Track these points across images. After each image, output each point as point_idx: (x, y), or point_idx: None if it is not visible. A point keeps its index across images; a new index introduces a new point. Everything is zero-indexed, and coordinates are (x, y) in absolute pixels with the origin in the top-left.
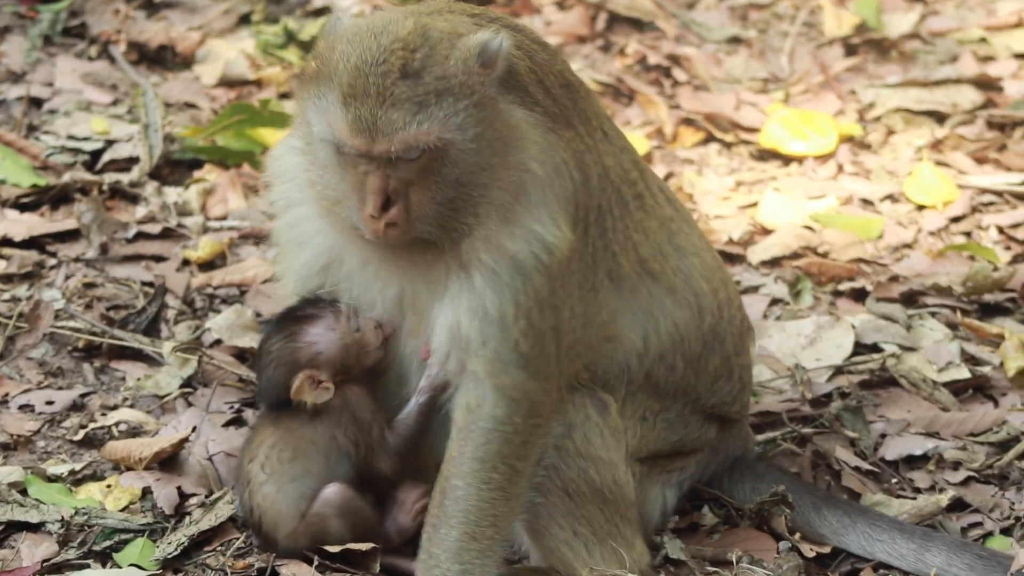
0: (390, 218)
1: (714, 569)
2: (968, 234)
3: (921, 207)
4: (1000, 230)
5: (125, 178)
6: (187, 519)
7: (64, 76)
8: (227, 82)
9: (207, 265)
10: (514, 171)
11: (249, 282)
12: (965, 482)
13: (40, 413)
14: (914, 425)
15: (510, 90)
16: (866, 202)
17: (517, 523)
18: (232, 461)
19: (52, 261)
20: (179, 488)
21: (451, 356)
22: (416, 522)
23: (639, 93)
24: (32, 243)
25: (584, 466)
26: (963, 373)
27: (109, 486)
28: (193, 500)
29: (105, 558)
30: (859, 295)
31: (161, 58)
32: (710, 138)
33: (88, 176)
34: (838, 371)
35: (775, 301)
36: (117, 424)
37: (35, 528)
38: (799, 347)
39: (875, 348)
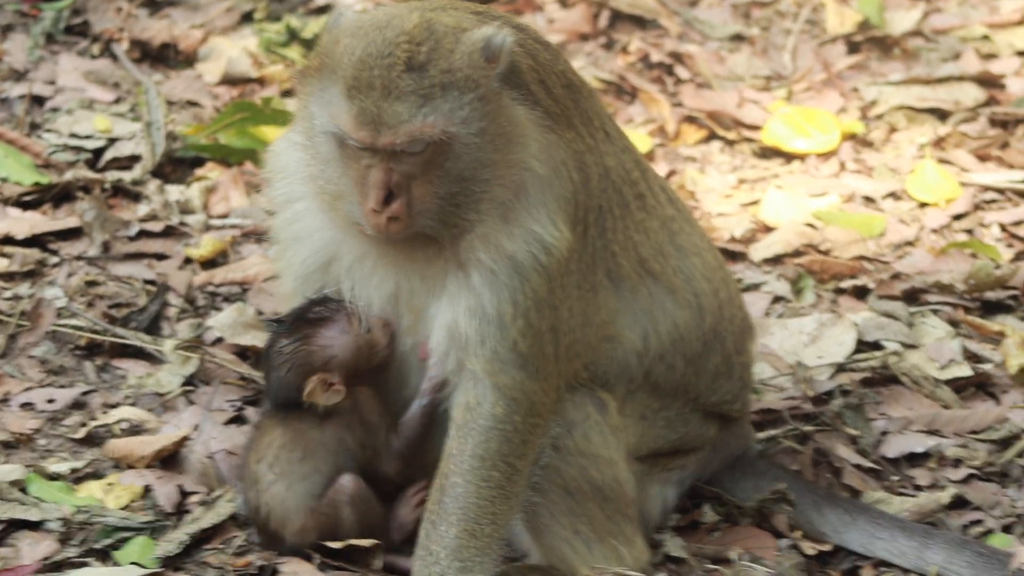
0: (392, 212)
1: (715, 567)
2: (970, 231)
3: (923, 205)
4: (1002, 227)
5: (127, 176)
6: (188, 517)
7: (66, 74)
8: (229, 80)
9: (209, 263)
10: (515, 169)
11: (251, 280)
12: (966, 480)
13: (41, 411)
14: (915, 423)
15: (512, 88)
16: (868, 200)
17: (517, 521)
18: (233, 459)
19: (54, 259)
20: (180, 486)
21: (450, 355)
22: (416, 514)
23: (641, 91)
24: (34, 241)
25: (584, 464)
26: (965, 371)
27: (110, 484)
28: (194, 498)
29: (106, 556)
30: (861, 293)
31: (164, 56)
32: (712, 136)
33: (90, 174)
34: (840, 369)
35: (777, 299)
36: (118, 422)
37: (36, 526)
38: (801, 345)
39: (877, 346)
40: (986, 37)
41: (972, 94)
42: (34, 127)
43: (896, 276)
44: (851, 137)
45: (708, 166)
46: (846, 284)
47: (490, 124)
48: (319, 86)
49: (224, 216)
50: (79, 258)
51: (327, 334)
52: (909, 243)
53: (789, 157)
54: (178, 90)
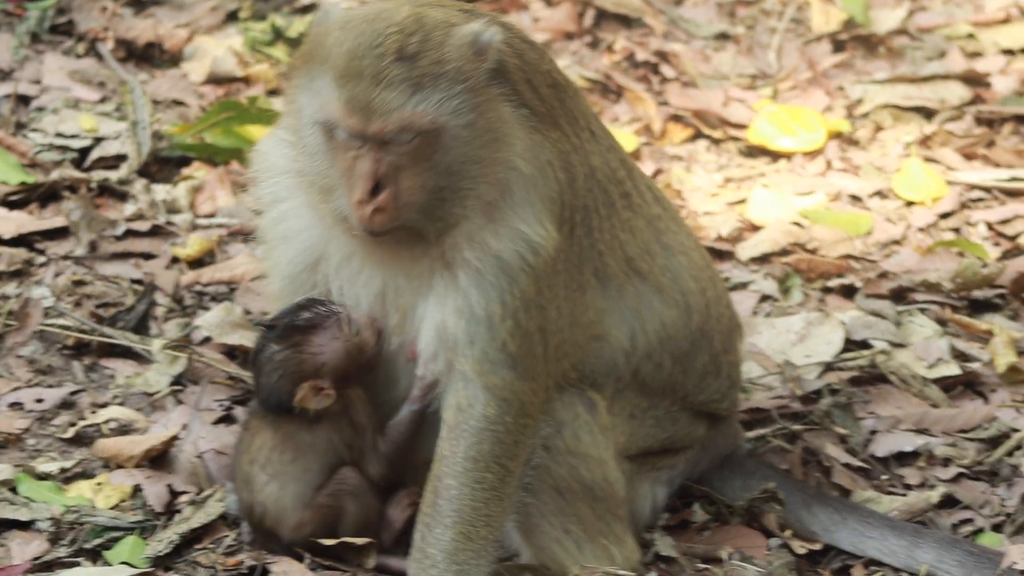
0: (379, 203)
1: (705, 566)
2: (957, 230)
3: (910, 203)
4: (989, 226)
5: (114, 175)
6: (178, 517)
7: (52, 73)
8: (215, 79)
9: (196, 262)
10: (501, 168)
11: (238, 279)
12: (955, 479)
13: (30, 411)
14: (904, 422)
15: (500, 86)
16: (855, 198)
17: (508, 521)
18: (223, 459)
19: (41, 259)
20: (169, 486)
21: (439, 356)
22: (406, 516)
23: (627, 90)
24: (21, 241)
25: (574, 464)
26: (953, 369)
27: (99, 484)
28: (184, 498)
29: (96, 556)
30: (848, 291)
31: (149, 55)
32: (698, 135)
33: (76, 174)
34: (828, 368)
35: (764, 298)
36: (107, 422)
37: (25, 526)
38: (789, 344)
39: (865, 344)
40: (971, 35)
41: (958, 92)
42: (19, 127)
43: (883, 275)
44: (837, 136)
45: (694, 165)
46: (833, 283)
47: (479, 118)
48: (308, 78)
49: (211, 215)
50: (66, 258)
51: (317, 341)
52: (896, 242)
53: (775, 156)
54: (163, 89)
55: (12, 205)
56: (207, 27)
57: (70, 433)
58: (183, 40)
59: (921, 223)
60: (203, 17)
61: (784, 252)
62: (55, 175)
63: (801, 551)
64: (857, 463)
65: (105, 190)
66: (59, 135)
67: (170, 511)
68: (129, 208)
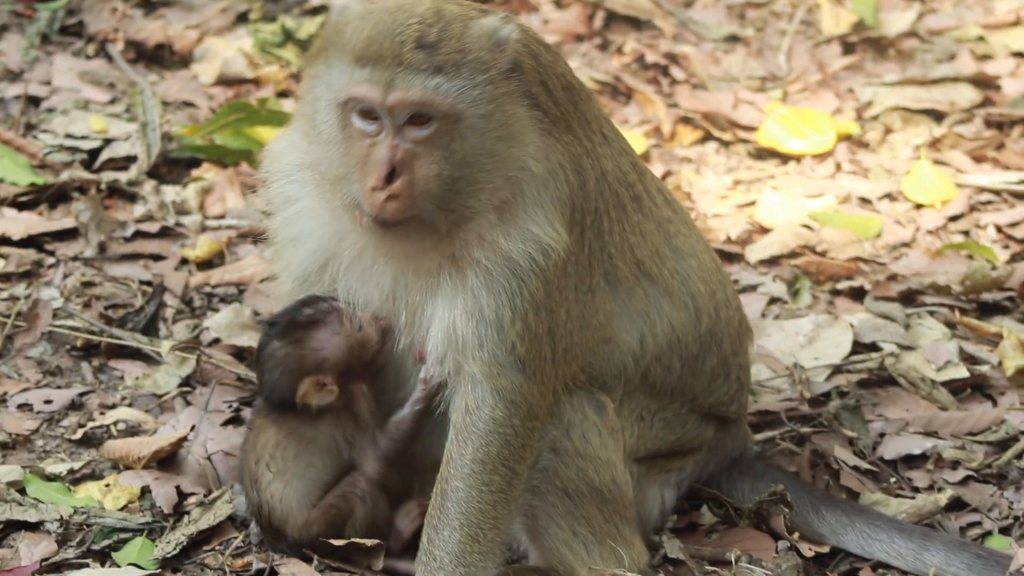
0: (393, 190)
1: (713, 568)
2: (966, 233)
3: (919, 206)
4: (998, 229)
5: (123, 177)
6: (186, 518)
7: (62, 75)
8: (225, 81)
9: (205, 264)
10: (513, 167)
11: (247, 281)
12: (964, 481)
13: (39, 412)
14: (912, 424)
15: (516, 86)
16: (864, 201)
17: (516, 523)
18: (231, 460)
19: (50, 260)
20: (178, 487)
21: (447, 358)
22: (414, 526)
23: (637, 92)
24: (30, 242)
25: (583, 466)
26: (961, 372)
27: (108, 485)
28: (192, 499)
29: (104, 557)
30: (857, 294)
31: (159, 57)
32: (708, 137)
33: (86, 175)
34: (836, 370)
35: (773, 300)
36: (116, 423)
37: (34, 527)
38: (797, 346)
39: (873, 347)
40: (981, 38)
41: (967, 95)
42: (30, 128)
43: (892, 277)
44: (846, 138)
45: (704, 167)
46: (842, 285)
47: (496, 111)
48: (326, 65)
49: (220, 217)
50: (75, 259)
51: (319, 336)
52: (905, 244)
53: (785, 158)
54: (173, 91)
55: (21, 206)
56: (217, 28)
57: (79, 434)
58: (193, 41)
59: (930, 226)
60: (213, 18)
61: (793, 254)
62: (64, 176)
63: (809, 554)
64: (865, 466)
65: (114, 191)
66: (69, 136)
67: (178, 512)
68: (138, 209)
